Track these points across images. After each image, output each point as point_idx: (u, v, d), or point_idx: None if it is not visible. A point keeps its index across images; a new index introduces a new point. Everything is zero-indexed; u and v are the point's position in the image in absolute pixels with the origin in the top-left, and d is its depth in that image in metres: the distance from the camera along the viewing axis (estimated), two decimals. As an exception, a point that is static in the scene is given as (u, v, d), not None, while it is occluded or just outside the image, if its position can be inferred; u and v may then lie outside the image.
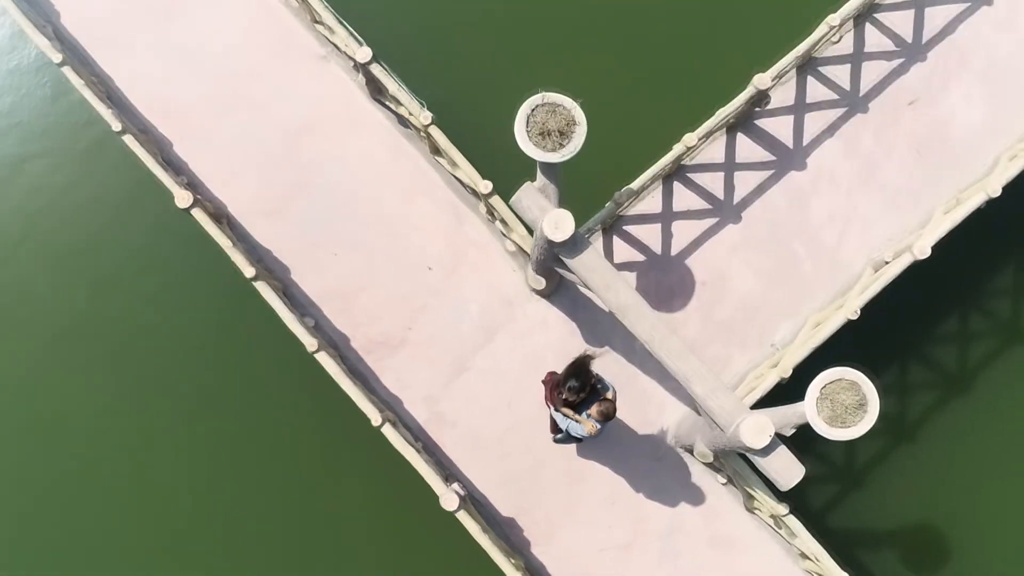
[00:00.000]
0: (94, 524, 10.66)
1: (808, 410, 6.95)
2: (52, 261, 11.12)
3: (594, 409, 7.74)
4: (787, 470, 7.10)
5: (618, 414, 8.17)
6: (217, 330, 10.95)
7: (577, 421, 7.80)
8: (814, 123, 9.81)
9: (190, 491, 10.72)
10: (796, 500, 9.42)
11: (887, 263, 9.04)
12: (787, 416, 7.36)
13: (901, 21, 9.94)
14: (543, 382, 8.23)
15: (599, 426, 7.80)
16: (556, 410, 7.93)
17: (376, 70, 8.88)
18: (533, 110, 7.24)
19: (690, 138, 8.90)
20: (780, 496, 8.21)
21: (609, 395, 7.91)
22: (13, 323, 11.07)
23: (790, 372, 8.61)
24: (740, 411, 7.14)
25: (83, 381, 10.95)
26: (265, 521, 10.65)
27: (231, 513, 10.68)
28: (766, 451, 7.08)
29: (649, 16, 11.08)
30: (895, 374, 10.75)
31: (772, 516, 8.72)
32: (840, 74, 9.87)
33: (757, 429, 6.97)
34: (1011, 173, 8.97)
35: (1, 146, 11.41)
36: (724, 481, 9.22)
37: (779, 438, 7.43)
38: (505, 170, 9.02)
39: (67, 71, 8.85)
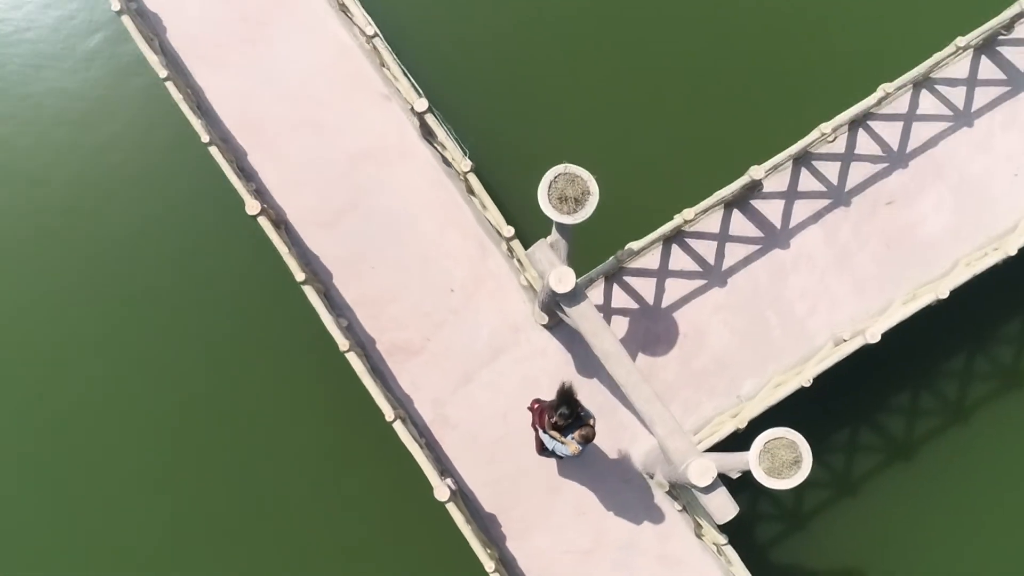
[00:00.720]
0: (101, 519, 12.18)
1: (751, 460, 8.39)
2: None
3: (577, 433, 9.22)
4: (722, 508, 8.55)
5: (596, 439, 9.66)
6: (236, 300, 12.47)
7: (562, 442, 9.28)
8: (801, 210, 11.23)
9: (199, 469, 12.18)
10: (744, 534, 10.95)
11: (844, 340, 10.45)
12: (734, 462, 8.82)
13: (890, 131, 11.34)
14: (529, 408, 9.71)
15: (580, 448, 9.28)
16: (544, 432, 9.41)
17: (429, 118, 10.38)
18: (555, 177, 8.68)
19: (688, 213, 10.35)
20: (721, 528, 9.65)
21: (591, 422, 9.39)
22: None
23: (745, 424, 10.06)
24: (691, 453, 8.61)
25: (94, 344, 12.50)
26: (270, 503, 12.07)
27: (239, 495, 12.09)
28: (707, 490, 8.55)
29: (672, 102, 12.56)
30: (847, 434, 12.16)
31: (714, 544, 10.18)
32: (830, 170, 11.28)
33: (702, 471, 8.43)
34: (961, 279, 10.37)
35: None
36: (680, 508, 10.67)
37: (724, 479, 8.91)
38: (526, 219, 10.64)
39: (169, 86, 10.41)
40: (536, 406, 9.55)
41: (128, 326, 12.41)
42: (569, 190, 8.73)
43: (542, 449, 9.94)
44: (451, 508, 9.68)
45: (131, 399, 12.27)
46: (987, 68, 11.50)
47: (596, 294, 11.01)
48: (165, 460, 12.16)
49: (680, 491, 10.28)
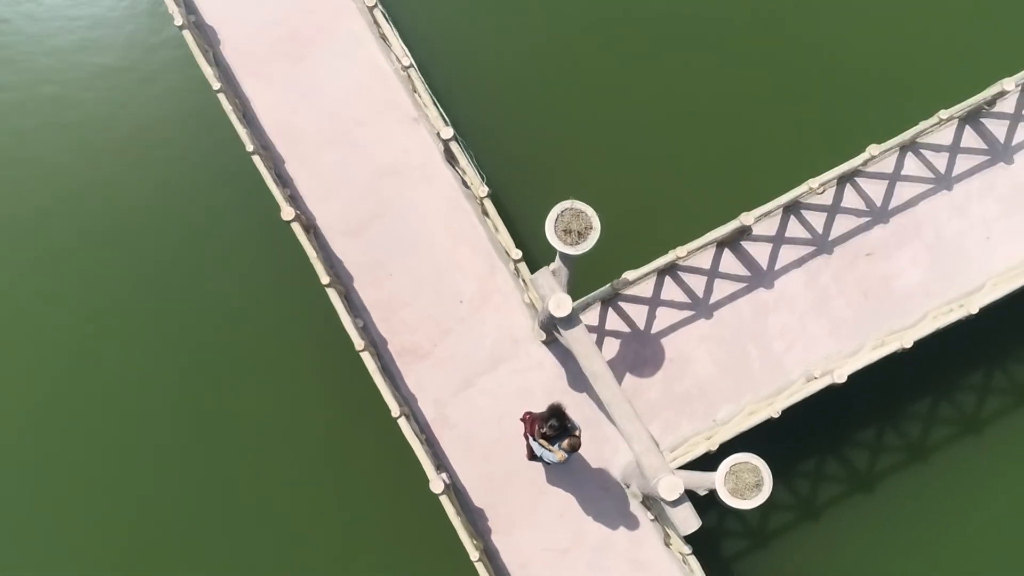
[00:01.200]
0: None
1: (717, 480, 9.36)
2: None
3: (565, 443, 10.25)
4: (686, 521, 9.53)
5: (582, 448, 10.68)
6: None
7: (550, 450, 10.30)
8: (787, 254, 12.22)
9: (208, 451, 13.29)
10: (710, 548, 11.98)
11: (815, 378, 11.44)
12: (702, 480, 9.81)
13: (875, 188, 12.32)
14: (521, 420, 10.74)
15: (566, 455, 10.30)
16: (534, 440, 10.44)
17: (453, 145, 11.42)
18: (562, 211, 9.69)
19: (681, 250, 11.36)
20: (686, 539, 10.66)
21: (577, 433, 10.40)
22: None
23: (717, 447, 11.06)
24: (663, 470, 9.61)
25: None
26: (274, 488, 13.14)
27: (250, 481, 13.19)
28: (674, 504, 9.53)
29: (679, 148, 13.61)
30: (813, 464, 13.13)
31: (680, 553, 11.19)
32: (816, 220, 12.27)
33: (670, 487, 9.43)
34: (926, 331, 11.35)
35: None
36: (652, 518, 11.68)
37: (693, 496, 9.91)
38: (534, 243, 11.67)
39: (221, 97, 11.48)
40: (528, 417, 10.57)
41: (150, 320, 13.50)
42: (574, 224, 9.75)
43: (531, 455, 10.96)
44: (444, 500, 10.72)
45: (137, 392, 13.36)
46: (970, 138, 12.47)
47: (592, 316, 12.02)
48: (187, 447, 13.24)
49: (652, 502, 11.29)
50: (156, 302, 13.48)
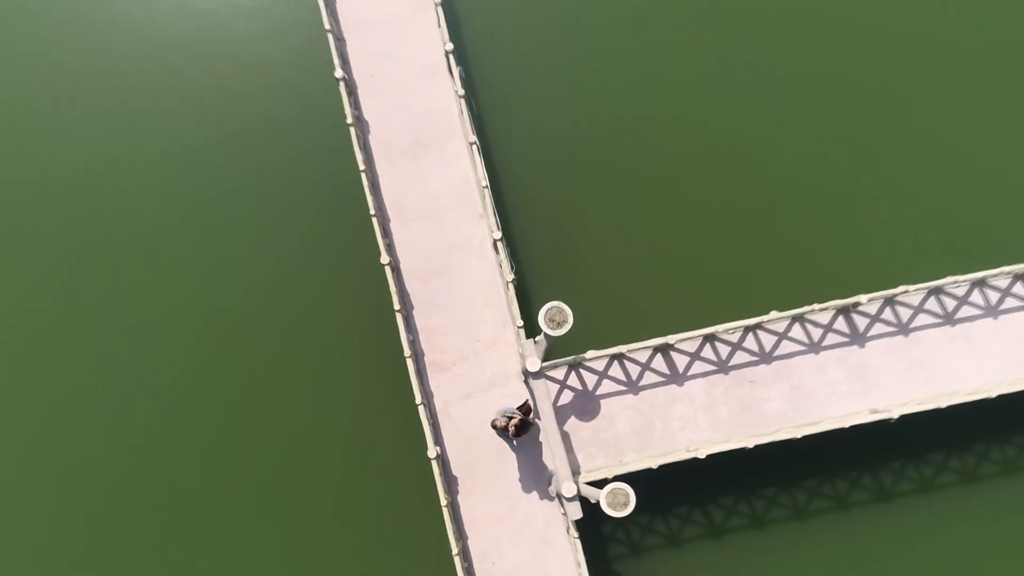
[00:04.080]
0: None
1: (601, 495, 15.48)
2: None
3: (519, 414, 16.44)
4: (574, 511, 15.66)
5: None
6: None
7: (508, 417, 16.47)
8: (698, 367, 18.24)
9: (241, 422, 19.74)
10: (601, 547, 17.99)
11: (688, 452, 17.44)
12: (593, 492, 15.92)
13: (767, 339, 18.28)
14: (492, 425, 16.91)
15: (514, 428, 16.42)
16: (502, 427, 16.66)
17: (499, 243, 17.67)
18: (550, 307, 15.90)
19: (624, 348, 17.47)
20: (576, 524, 16.71)
21: (528, 417, 16.55)
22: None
23: (613, 475, 17.12)
24: (567, 478, 15.75)
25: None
26: (307, 447, 19.52)
27: (281, 437, 19.58)
28: (570, 500, 15.68)
29: (651, 267, 19.79)
30: (685, 509, 19.09)
31: (574, 536, 17.27)
32: (724, 350, 18.26)
33: (569, 488, 15.57)
34: (765, 440, 17.30)
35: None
36: (563, 512, 17.76)
37: (587, 503, 16.04)
38: (533, 317, 17.85)
39: (363, 175, 17.88)
40: (494, 421, 16.79)
41: (261, 324, 20.04)
42: (556, 316, 15.96)
43: (501, 432, 17.14)
44: (434, 464, 16.97)
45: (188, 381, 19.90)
46: (840, 323, 18.40)
47: (560, 372, 18.15)
48: (268, 407, 19.70)
49: (561, 499, 17.40)
50: (270, 308, 19.96)
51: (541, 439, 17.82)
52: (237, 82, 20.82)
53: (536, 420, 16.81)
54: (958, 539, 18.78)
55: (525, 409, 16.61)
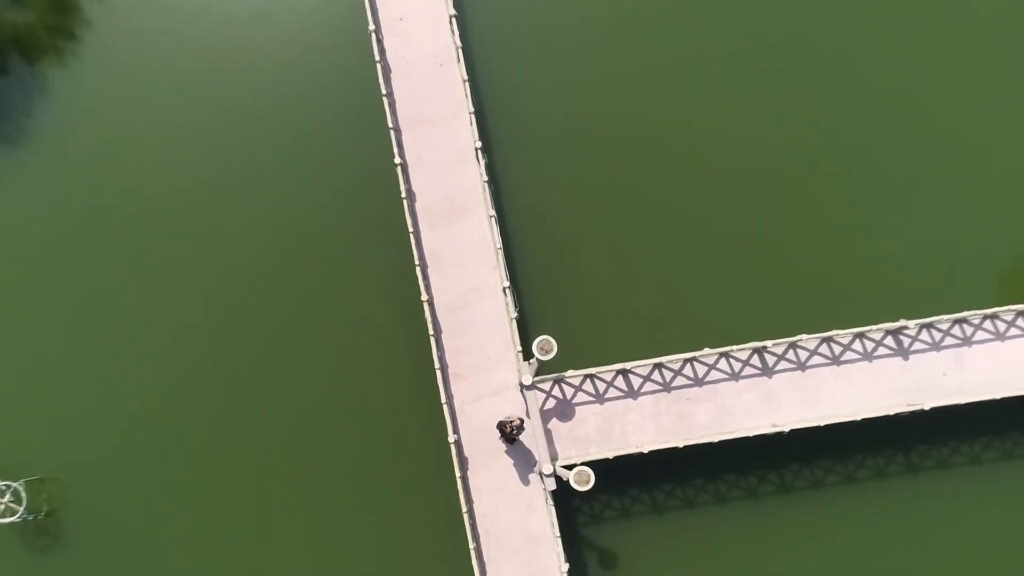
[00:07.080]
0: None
1: (571, 475, 22.16)
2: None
3: (514, 421, 23.13)
4: (550, 485, 22.37)
5: (524, 442, 23.49)
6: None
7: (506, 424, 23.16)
8: (649, 386, 24.84)
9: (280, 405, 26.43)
10: (570, 519, 24.70)
11: (638, 448, 24.06)
12: (565, 473, 22.63)
13: (701, 369, 24.89)
14: (497, 427, 23.60)
15: (509, 438, 23.11)
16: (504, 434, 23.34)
17: (507, 290, 24.34)
18: (540, 339, 22.60)
19: (595, 370, 24.15)
20: (551, 494, 23.37)
21: (519, 423, 23.22)
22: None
23: (579, 462, 23.78)
24: (547, 462, 22.45)
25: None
26: (347, 434, 26.25)
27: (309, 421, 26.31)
28: (548, 476, 22.38)
29: (633, 300, 26.49)
30: (648, 496, 25.71)
31: (549, 503, 23.92)
32: (668, 375, 24.87)
33: (548, 467, 22.29)
34: (693, 442, 23.92)
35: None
36: (543, 487, 24.38)
37: (558, 478, 22.73)
38: (529, 343, 24.57)
39: (412, 237, 24.64)
40: (498, 425, 23.47)
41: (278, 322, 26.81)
42: (545, 346, 22.69)
43: (501, 435, 23.81)
44: (452, 447, 23.69)
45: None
46: (756, 359, 25.02)
47: (547, 385, 24.78)
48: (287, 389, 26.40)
49: (542, 476, 24.08)
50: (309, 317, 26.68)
51: (529, 435, 24.50)
52: (310, 175, 27.68)
53: (525, 425, 23.47)
54: (839, 524, 25.37)
55: (518, 426, 23.26)
